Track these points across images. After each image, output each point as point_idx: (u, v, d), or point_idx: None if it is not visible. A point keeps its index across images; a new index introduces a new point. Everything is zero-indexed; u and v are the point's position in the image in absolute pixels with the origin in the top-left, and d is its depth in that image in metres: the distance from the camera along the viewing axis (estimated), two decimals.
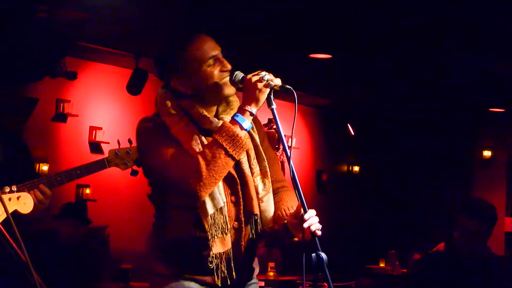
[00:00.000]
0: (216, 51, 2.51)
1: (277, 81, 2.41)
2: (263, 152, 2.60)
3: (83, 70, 7.41)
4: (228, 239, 2.47)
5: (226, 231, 2.46)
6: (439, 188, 10.71)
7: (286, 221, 2.50)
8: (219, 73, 2.49)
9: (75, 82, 7.24)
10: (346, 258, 8.25)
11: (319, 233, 2.30)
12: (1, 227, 1.96)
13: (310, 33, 6.37)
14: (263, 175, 2.57)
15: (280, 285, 6.02)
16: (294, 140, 2.49)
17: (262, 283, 5.73)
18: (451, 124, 10.55)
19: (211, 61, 2.49)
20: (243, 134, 2.39)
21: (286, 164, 10.26)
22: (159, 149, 2.43)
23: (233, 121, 2.40)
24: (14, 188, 2.88)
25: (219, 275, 2.47)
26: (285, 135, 2.41)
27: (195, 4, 5.51)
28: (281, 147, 9.32)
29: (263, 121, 9.22)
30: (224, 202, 2.46)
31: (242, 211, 2.51)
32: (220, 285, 2.48)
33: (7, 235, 1.98)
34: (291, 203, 2.57)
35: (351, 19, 5.87)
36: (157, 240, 2.56)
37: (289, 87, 2.39)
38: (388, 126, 10.74)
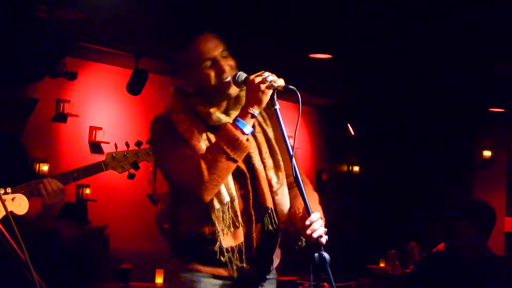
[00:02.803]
0: (215, 52, 2.51)
1: (280, 82, 2.40)
2: (276, 146, 2.61)
3: (83, 70, 7.41)
4: (240, 232, 2.49)
5: (237, 224, 2.48)
6: (439, 188, 10.71)
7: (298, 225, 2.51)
8: (216, 77, 2.50)
9: (75, 82, 7.23)
10: (346, 258, 8.25)
11: (323, 240, 2.29)
12: (1, 227, 1.96)
13: (310, 33, 6.37)
14: (277, 168, 2.58)
15: (280, 285, 6.02)
16: (295, 139, 2.48)
17: None
18: (451, 124, 10.55)
19: (208, 63, 2.50)
20: (244, 137, 2.40)
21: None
22: (166, 153, 2.51)
23: (234, 125, 2.40)
24: (8, 190, 2.89)
25: (233, 267, 2.49)
26: (287, 135, 2.41)
27: (194, 4, 5.51)
28: None
29: None
30: (233, 197, 2.49)
31: (251, 205, 2.53)
32: (234, 277, 2.50)
33: (7, 235, 1.98)
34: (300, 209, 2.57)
35: (351, 19, 5.87)
36: (171, 236, 2.60)
37: (293, 87, 2.38)
38: (388, 126, 10.75)
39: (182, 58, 2.56)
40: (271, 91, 2.38)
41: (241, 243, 2.49)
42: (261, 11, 5.69)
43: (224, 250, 2.47)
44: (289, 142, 2.39)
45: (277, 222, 2.55)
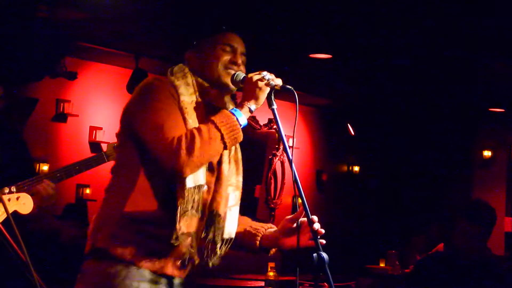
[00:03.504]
0: (239, 45, 2.55)
1: (278, 81, 2.41)
2: (241, 168, 2.60)
3: (83, 70, 7.41)
4: (194, 223, 2.41)
5: (197, 213, 2.39)
6: (439, 188, 10.71)
7: (259, 239, 2.54)
8: (227, 62, 2.50)
9: (75, 82, 7.24)
10: (346, 258, 8.25)
11: (323, 241, 2.29)
12: (2, 227, 1.96)
13: (310, 33, 6.37)
14: (236, 187, 2.56)
15: (280, 285, 6.01)
16: (294, 140, 2.48)
17: (262, 283, 5.73)
18: (451, 124, 10.55)
19: (227, 48, 2.52)
20: (239, 126, 2.38)
21: (286, 164, 10.25)
22: (160, 110, 2.35)
23: (231, 113, 2.38)
24: (13, 188, 2.88)
25: (182, 256, 2.40)
26: (285, 135, 2.41)
27: (195, 4, 5.52)
28: (281, 147, 9.31)
29: (264, 121, 9.22)
30: (204, 183, 2.40)
31: (207, 205, 2.46)
32: (171, 277, 2.43)
33: (7, 235, 1.98)
34: (255, 224, 2.60)
35: (351, 19, 5.87)
36: (113, 215, 2.40)
37: (290, 87, 2.39)
38: (388, 126, 10.74)
39: (206, 35, 2.56)
40: (268, 88, 2.39)
41: (193, 233, 2.40)
42: (261, 11, 5.70)
43: (180, 233, 2.34)
44: (287, 142, 2.39)
45: (219, 232, 2.48)
